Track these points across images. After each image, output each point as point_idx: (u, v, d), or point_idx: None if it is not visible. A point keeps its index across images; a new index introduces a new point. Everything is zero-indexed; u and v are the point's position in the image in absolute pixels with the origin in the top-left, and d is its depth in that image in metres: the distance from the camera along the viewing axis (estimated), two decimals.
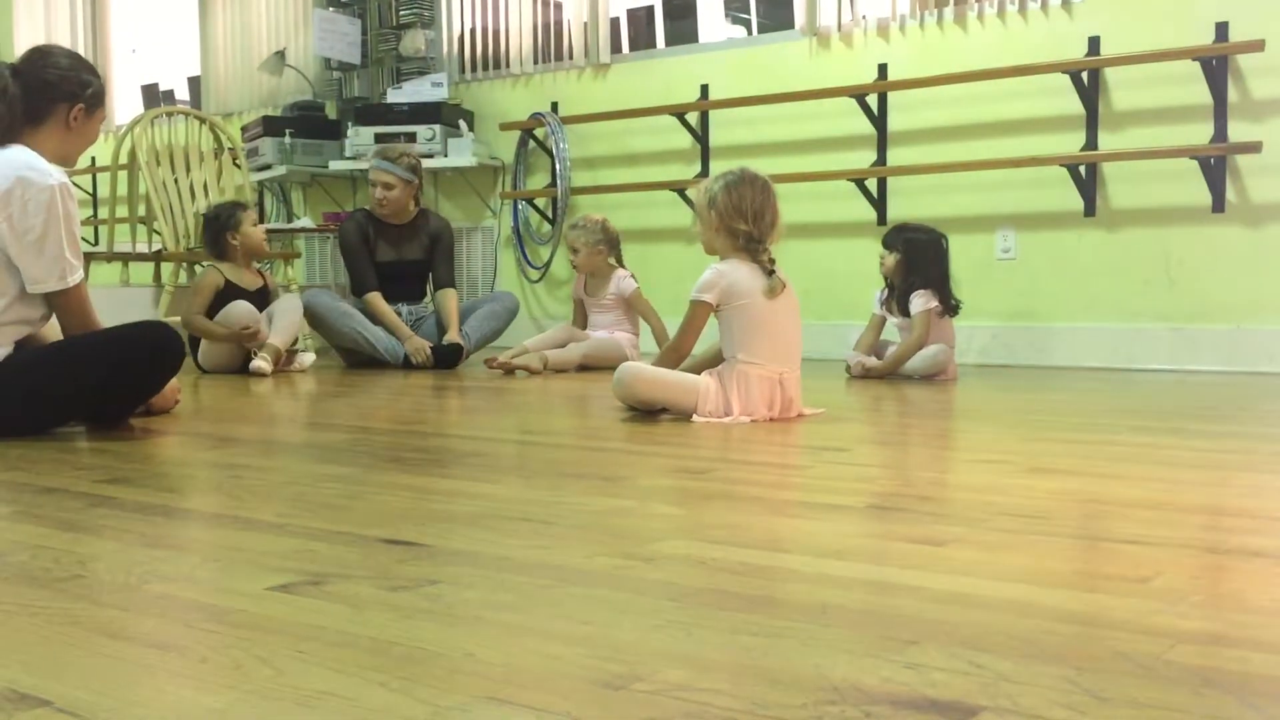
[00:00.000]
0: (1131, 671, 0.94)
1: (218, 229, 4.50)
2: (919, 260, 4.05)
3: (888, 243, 4.16)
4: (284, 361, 4.39)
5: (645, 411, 2.89)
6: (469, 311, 4.88)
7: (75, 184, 2.65)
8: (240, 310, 4.33)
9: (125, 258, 5.04)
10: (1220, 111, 4.33)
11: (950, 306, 4.06)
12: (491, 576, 1.27)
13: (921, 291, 4.01)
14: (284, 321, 4.45)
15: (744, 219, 2.82)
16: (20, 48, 7.99)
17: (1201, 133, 4.36)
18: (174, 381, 2.85)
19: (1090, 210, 4.62)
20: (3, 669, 0.95)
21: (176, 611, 1.15)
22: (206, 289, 4.41)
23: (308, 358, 4.61)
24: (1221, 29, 4.30)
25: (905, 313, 4.07)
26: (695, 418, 2.76)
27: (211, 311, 4.37)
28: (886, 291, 4.18)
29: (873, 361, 4.09)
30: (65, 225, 2.48)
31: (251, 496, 1.81)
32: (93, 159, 6.71)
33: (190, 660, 0.99)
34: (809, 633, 1.05)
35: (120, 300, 4.32)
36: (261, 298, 4.53)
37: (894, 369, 4.03)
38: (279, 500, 1.78)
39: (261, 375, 4.21)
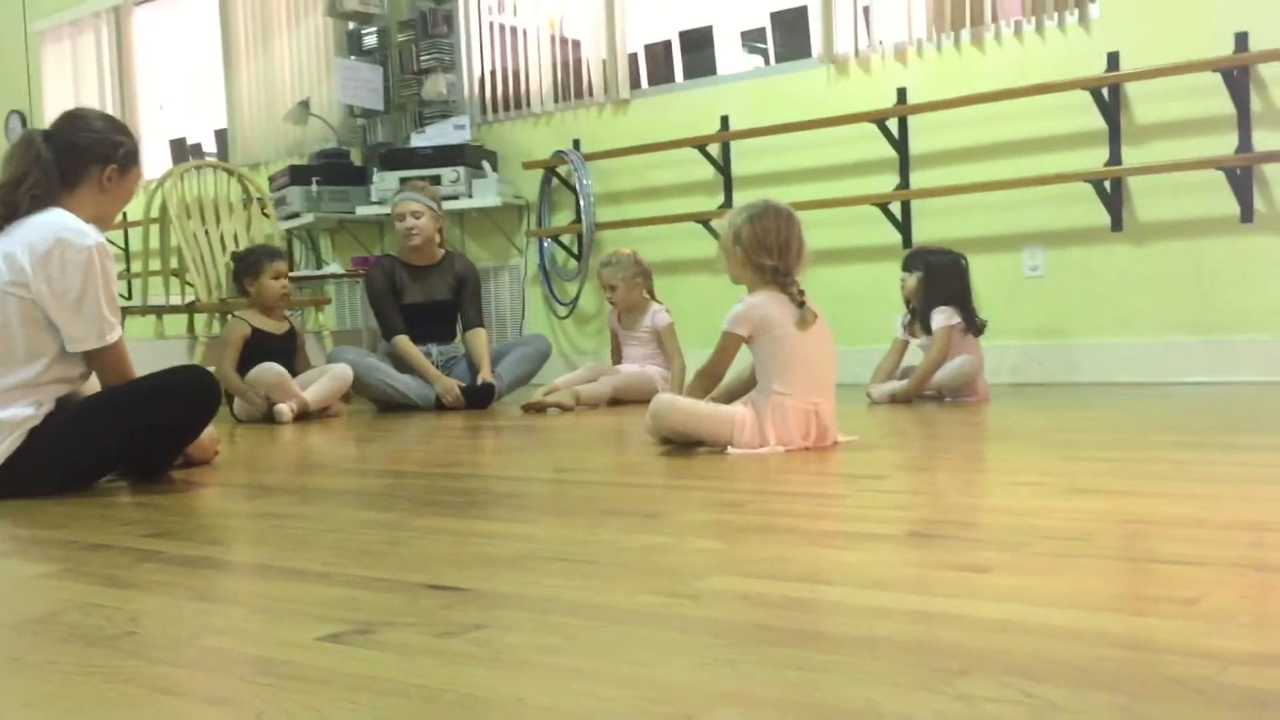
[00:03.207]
0: (1185, 697, 0.93)
1: (239, 272, 4.58)
2: (939, 279, 4.06)
3: (908, 265, 4.17)
4: (313, 414, 4.42)
5: (680, 444, 2.90)
6: (502, 354, 4.91)
7: (108, 239, 2.68)
8: (270, 373, 4.35)
9: (159, 310, 5.11)
10: (1244, 121, 4.31)
11: (974, 325, 4.05)
12: (537, 619, 1.28)
13: (942, 308, 4.01)
14: (327, 387, 4.48)
15: (769, 254, 2.82)
16: (50, 107, 8.16)
17: (1226, 143, 4.35)
18: (213, 432, 2.88)
19: (1117, 225, 4.60)
20: None
21: (229, 665, 1.16)
22: (235, 342, 4.48)
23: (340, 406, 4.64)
24: (1241, 39, 4.29)
25: (929, 332, 4.06)
26: (730, 449, 2.76)
27: (243, 358, 4.43)
28: (909, 315, 4.18)
29: (895, 386, 4.07)
30: (103, 284, 2.52)
31: (294, 546, 1.83)
32: (124, 214, 6.79)
33: (245, 714, 0.99)
34: (857, 666, 1.05)
35: (156, 353, 4.36)
36: (288, 342, 4.59)
37: (919, 389, 4.01)
38: (321, 548, 1.79)
39: (282, 420, 4.25)
